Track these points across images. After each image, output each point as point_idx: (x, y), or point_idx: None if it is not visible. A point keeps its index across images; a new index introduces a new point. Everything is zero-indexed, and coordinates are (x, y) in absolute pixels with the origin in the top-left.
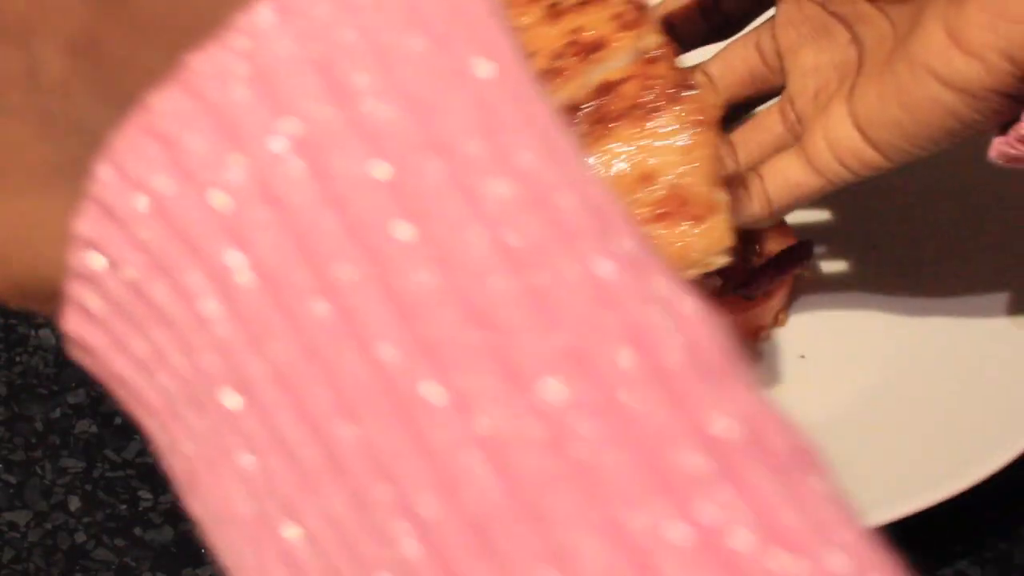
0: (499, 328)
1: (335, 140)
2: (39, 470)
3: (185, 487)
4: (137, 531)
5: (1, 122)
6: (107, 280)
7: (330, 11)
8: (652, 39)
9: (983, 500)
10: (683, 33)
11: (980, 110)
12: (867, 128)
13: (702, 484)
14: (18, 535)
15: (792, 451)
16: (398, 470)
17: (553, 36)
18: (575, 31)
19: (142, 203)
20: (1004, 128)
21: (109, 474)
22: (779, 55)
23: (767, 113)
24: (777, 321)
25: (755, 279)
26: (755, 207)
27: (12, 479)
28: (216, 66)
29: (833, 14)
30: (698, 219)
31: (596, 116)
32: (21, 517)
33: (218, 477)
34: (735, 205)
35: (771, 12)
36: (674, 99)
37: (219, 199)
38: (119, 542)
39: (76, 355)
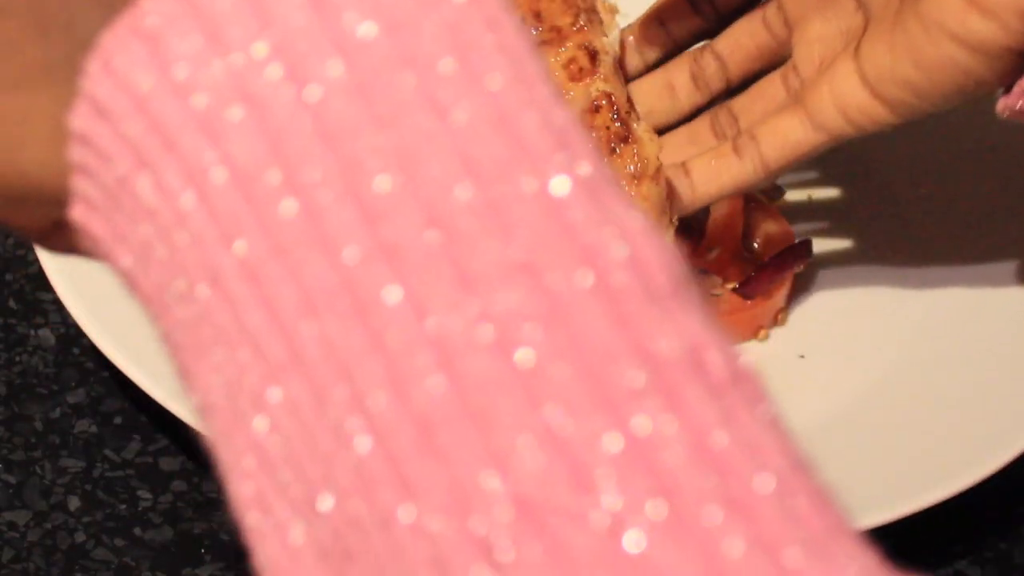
0: (457, 236)
1: (313, 49)
2: (39, 470)
3: (181, 377)
4: (136, 531)
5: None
6: (101, 173)
7: None
8: (597, 87)
9: (983, 500)
10: (674, 29)
11: (995, 69)
12: (876, 84)
13: (639, 399)
14: (17, 535)
15: (732, 376)
16: (354, 367)
17: None
18: None
19: (127, 100)
20: (1010, 86)
21: (109, 474)
22: (787, 26)
23: (769, 81)
24: (777, 321)
25: (755, 279)
26: (748, 169)
27: (12, 479)
28: None
29: None
30: None
31: None
32: (20, 517)
33: (200, 368)
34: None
35: None
36: (611, 152)
37: (198, 99)
38: (118, 542)
39: (87, 249)
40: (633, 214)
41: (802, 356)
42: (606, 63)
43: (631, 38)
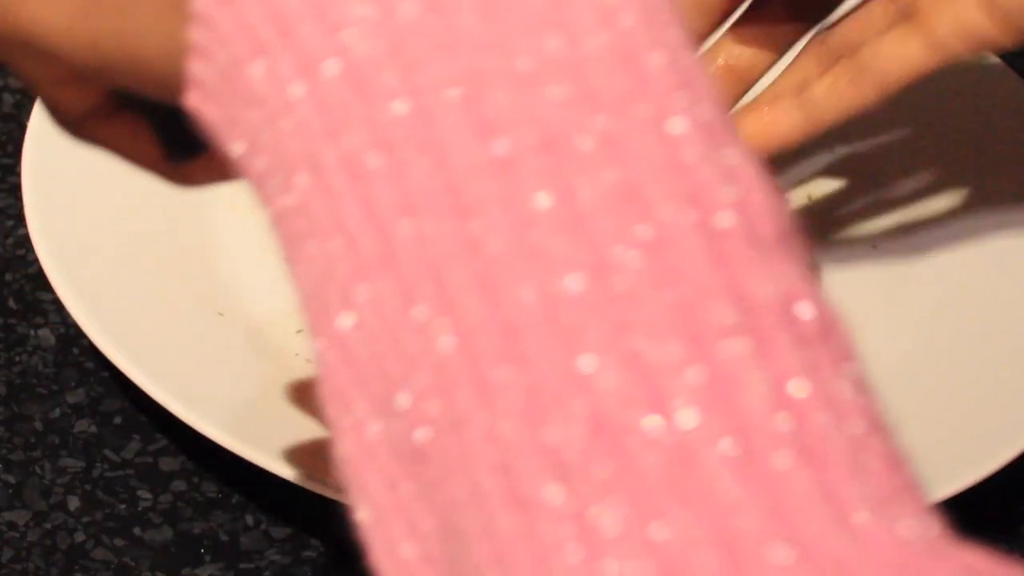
0: (568, 158)
1: None
2: (38, 470)
3: (286, 267)
4: (136, 531)
5: None
6: (218, 57)
7: None
8: None
9: (983, 500)
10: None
11: None
12: (998, 7)
13: (727, 336)
14: (17, 535)
15: (823, 329)
16: (447, 269)
17: None
18: None
19: None
20: None
21: (108, 474)
22: None
23: (870, 7)
24: None
25: None
26: (866, 92)
27: (11, 479)
28: None
29: None
30: None
31: None
32: (20, 517)
33: (296, 259)
34: None
35: None
36: None
37: None
38: (118, 542)
39: (202, 129)
40: (746, 160)
41: None
42: None
43: None
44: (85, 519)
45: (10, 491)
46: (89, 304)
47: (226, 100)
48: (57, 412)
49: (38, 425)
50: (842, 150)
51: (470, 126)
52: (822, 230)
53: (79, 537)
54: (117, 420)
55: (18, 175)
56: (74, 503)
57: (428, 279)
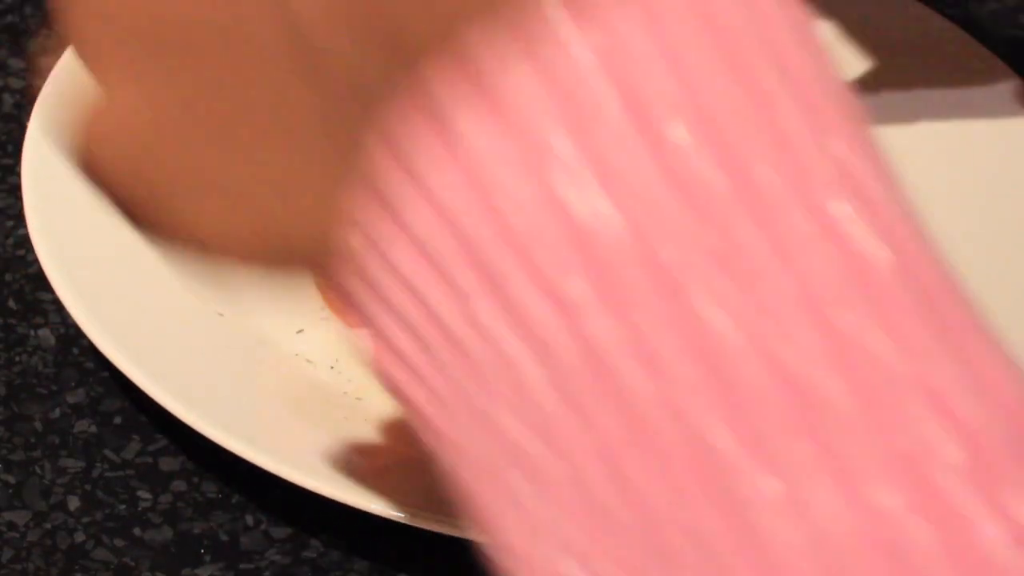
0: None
1: (631, 161)
2: (38, 470)
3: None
4: (136, 531)
5: (268, 72)
6: (372, 263)
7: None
8: None
9: None
10: None
11: None
12: None
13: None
14: (17, 535)
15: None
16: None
17: None
18: None
19: (422, 202)
20: None
21: (108, 474)
22: None
23: None
24: None
25: None
26: None
27: (11, 479)
28: (506, 62)
29: None
30: None
31: None
32: (20, 517)
33: (494, 484)
34: None
35: None
36: None
37: (514, 217)
38: (118, 542)
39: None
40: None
41: None
42: None
43: None
44: (85, 519)
45: (10, 491)
46: (89, 304)
47: (373, 305)
48: (57, 412)
49: (38, 425)
50: None
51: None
52: None
53: (79, 537)
54: (117, 420)
55: (18, 175)
56: (74, 503)
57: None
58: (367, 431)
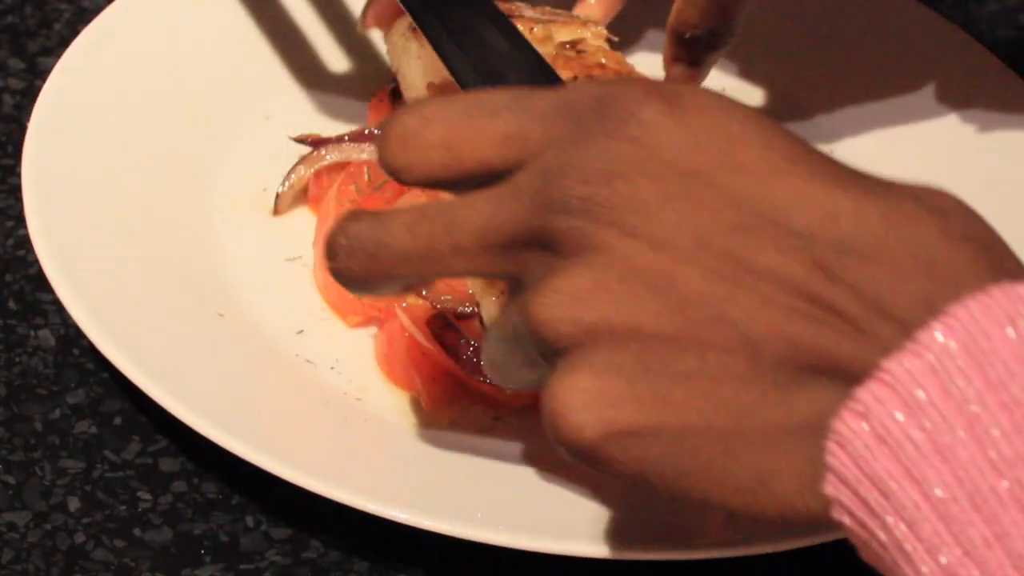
0: None
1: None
2: (38, 471)
3: None
4: (136, 532)
5: (741, 389)
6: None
7: None
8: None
9: None
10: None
11: None
12: None
13: None
14: (17, 536)
15: None
16: None
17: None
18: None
19: (873, 491)
20: None
21: (108, 475)
22: None
23: None
24: None
25: None
26: None
27: (11, 480)
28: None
29: None
30: None
31: None
32: (20, 518)
33: None
34: None
35: None
36: None
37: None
38: (118, 543)
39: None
40: None
41: None
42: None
43: None
44: (85, 520)
45: (10, 492)
46: (89, 305)
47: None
48: (57, 413)
49: (38, 426)
50: (840, 151)
51: None
52: None
53: (79, 538)
54: (117, 421)
55: (18, 176)
56: (74, 504)
57: None
58: (367, 431)
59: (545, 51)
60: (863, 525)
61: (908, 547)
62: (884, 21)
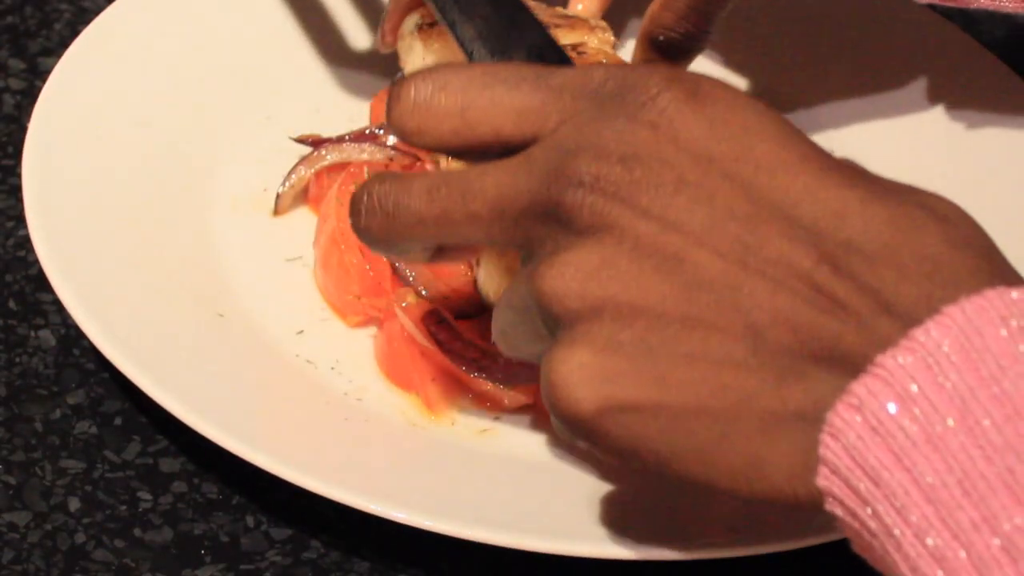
0: None
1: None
2: (39, 471)
3: None
4: (137, 532)
5: (741, 375)
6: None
7: None
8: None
9: None
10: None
11: None
12: None
13: None
14: (18, 536)
15: None
16: None
17: None
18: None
19: (864, 479)
20: None
21: (109, 475)
22: None
23: None
24: None
25: None
26: None
27: (12, 480)
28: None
29: None
30: None
31: None
32: (21, 518)
33: None
34: None
35: None
36: None
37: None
38: (119, 543)
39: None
40: None
41: None
42: None
43: None
44: (86, 520)
45: (11, 492)
46: (89, 305)
47: (860, 520)
48: (57, 413)
49: (38, 426)
50: (840, 151)
51: None
52: None
53: (80, 538)
54: (117, 421)
55: (18, 176)
56: (75, 504)
57: None
58: (367, 431)
59: None
60: (854, 515)
61: (897, 532)
62: (884, 21)
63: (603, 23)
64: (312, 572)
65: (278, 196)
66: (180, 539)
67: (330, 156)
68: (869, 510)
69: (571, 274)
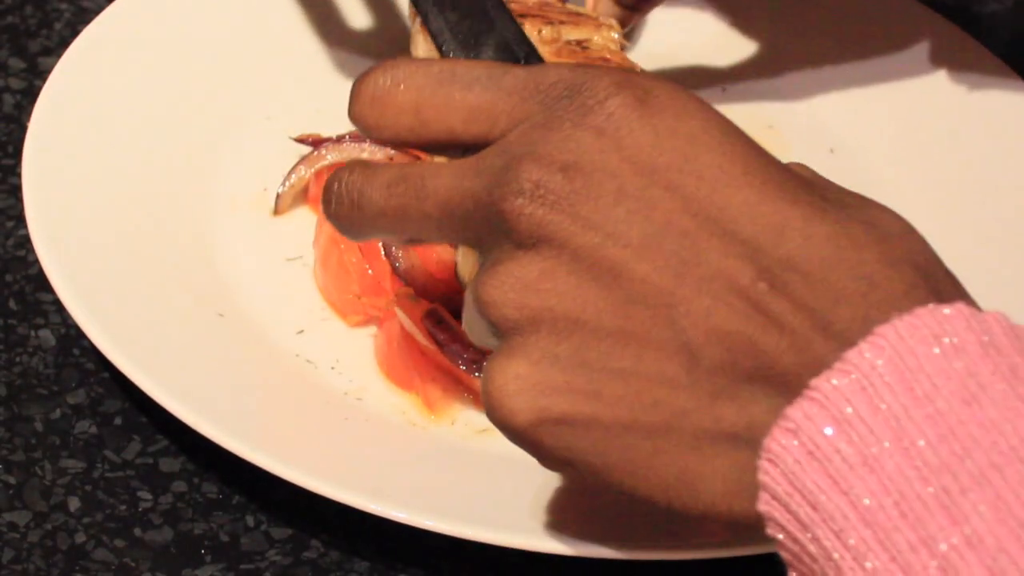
0: None
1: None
2: (39, 471)
3: None
4: (137, 531)
5: (674, 392)
6: (783, 527)
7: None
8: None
9: None
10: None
11: None
12: None
13: None
14: (18, 536)
15: None
16: None
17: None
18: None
19: (802, 503)
20: None
21: (109, 475)
22: None
23: None
24: None
25: None
26: None
27: (12, 480)
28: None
29: None
30: None
31: None
32: (21, 518)
33: None
34: None
35: None
36: None
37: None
38: (119, 543)
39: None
40: None
41: None
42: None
43: None
44: (86, 520)
45: (11, 492)
46: (89, 304)
47: (797, 542)
48: (57, 413)
49: (39, 426)
50: (839, 151)
51: None
52: None
53: (80, 538)
54: (117, 421)
55: (18, 176)
56: (75, 504)
57: None
58: (367, 431)
59: (551, 46)
60: (795, 540)
61: (836, 556)
62: (885, 21)
63: (612, 21)
64: (312, 572)
65: (278, 196)
66: (180, 539)
67: (330, 156)
68: (809, 535)
69: (510, 284)
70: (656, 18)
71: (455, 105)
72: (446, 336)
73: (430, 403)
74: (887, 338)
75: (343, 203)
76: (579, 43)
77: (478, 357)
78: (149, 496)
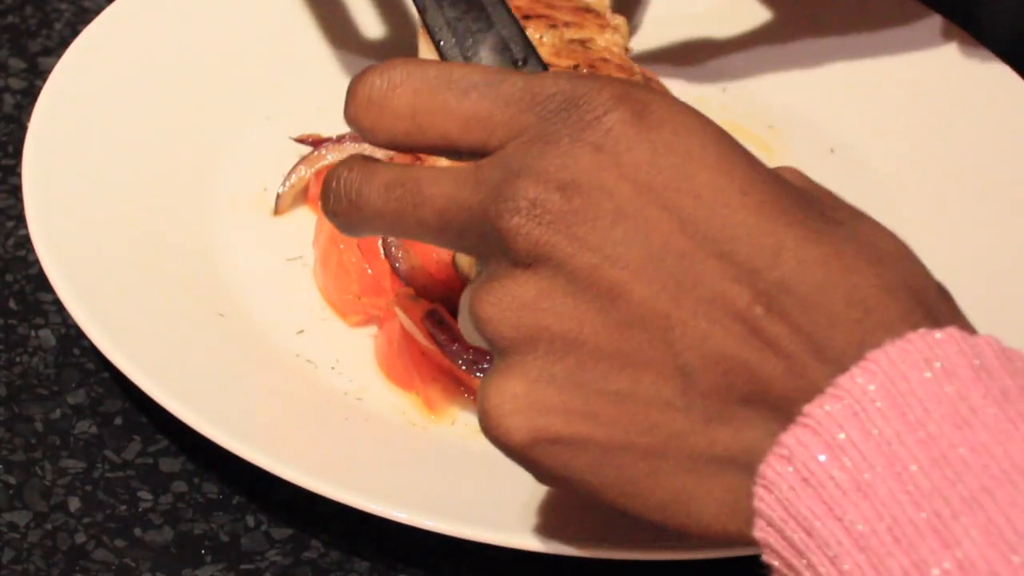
0: None
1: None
2: (39, 471)
3: None
4: (137, 532)
5: (670, 415)
6: (774, 548)
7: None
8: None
9: None
10: None
11: None
12: None
13: None
14: (18, 536)
15: None
16: None
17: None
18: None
19: (796, 527)
20: None
21: (109, 475)
22: None
23: None
24: None
25: None
26: None
27: (12, 480)
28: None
29: None
30: None
31: None
32: (21, 518)
33: None
34: None
35: None
36: None
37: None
38: (119, 543)
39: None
40: None
41: None
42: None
43: None
44: (86, 520)
45: (11, 492)
46: (89, 305)
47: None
48: (58, 413)
49: (39, 426)
50: (840, 151)
51: None
52: None
53: (80, 538)
54: (118, 421)
55: (19, 176)
56: (75, 504)
57: None
58: (367, 431)
59: (553, 43)
60: (790, 566)
61: None
62: (884, 21)
63: (620, 21)
64: (312, 572)
65: (278, 196)
66: (180, 539)
67: (330, 156)
68: (804, 561)
69: (507, 303)
70: (657, 17)
71: (451, 112)
72: (446, 336)
73: (430, 403)
74: (879, 363)
75: (341, 202)
76: (582, 42)
77: (478, 357)
78: (149, 496)
